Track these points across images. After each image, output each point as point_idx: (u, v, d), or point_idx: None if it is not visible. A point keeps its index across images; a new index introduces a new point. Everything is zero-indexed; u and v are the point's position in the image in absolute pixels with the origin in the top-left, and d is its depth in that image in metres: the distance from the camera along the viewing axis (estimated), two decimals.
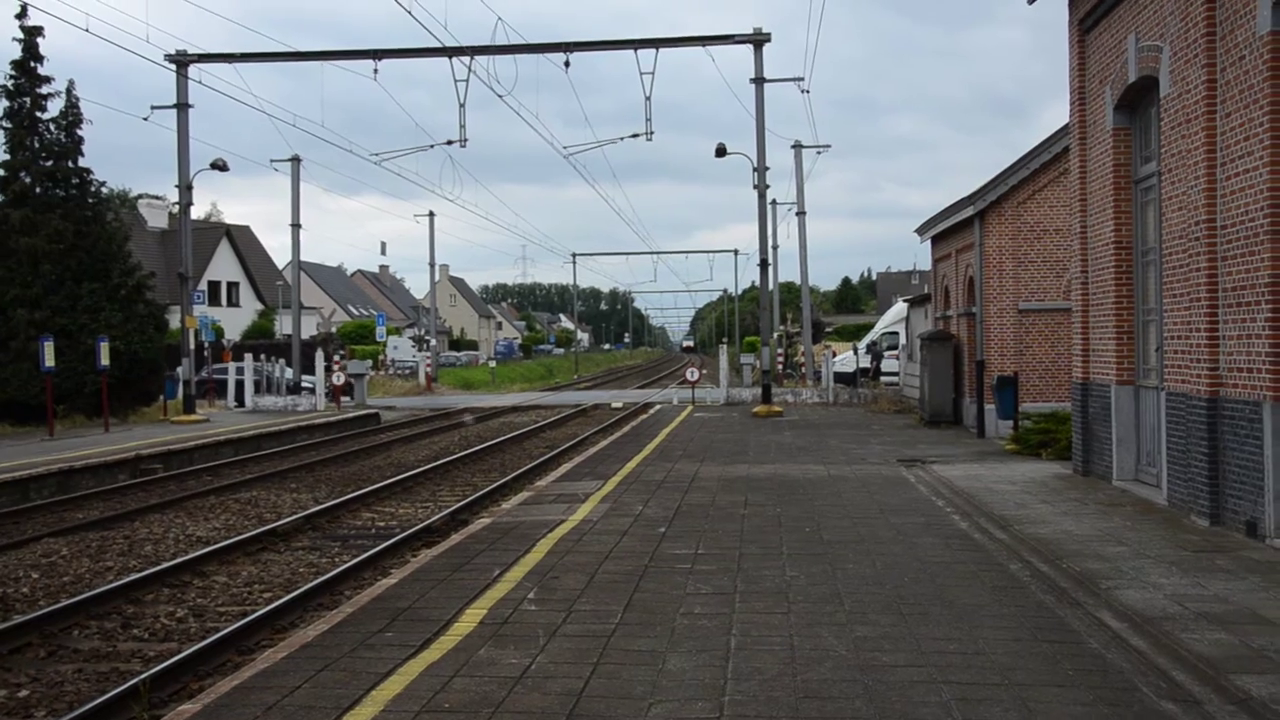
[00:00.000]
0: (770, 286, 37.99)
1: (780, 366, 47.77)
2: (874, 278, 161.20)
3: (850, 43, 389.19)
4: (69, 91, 32.42)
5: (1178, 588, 8.41)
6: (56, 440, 25.23)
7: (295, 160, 44.68)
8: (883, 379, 39.44)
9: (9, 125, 31.55)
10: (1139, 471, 13.65)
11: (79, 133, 32.45)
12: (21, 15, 31.41)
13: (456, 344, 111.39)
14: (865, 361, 41.65)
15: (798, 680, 6.38)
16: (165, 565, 12.03)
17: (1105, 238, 14.14)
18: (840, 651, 6.94)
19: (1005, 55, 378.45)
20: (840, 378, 38.59)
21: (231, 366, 39.36)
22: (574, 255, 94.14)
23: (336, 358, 40.58)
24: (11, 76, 31.44)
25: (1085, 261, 15.05)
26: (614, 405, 39.26)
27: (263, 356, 41.49)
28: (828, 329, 74.03)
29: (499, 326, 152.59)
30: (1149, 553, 9.75)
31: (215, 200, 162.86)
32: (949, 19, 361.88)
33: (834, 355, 40.01)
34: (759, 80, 30.78)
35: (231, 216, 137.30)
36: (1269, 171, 9.67)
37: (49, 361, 26.43)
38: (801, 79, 33.66)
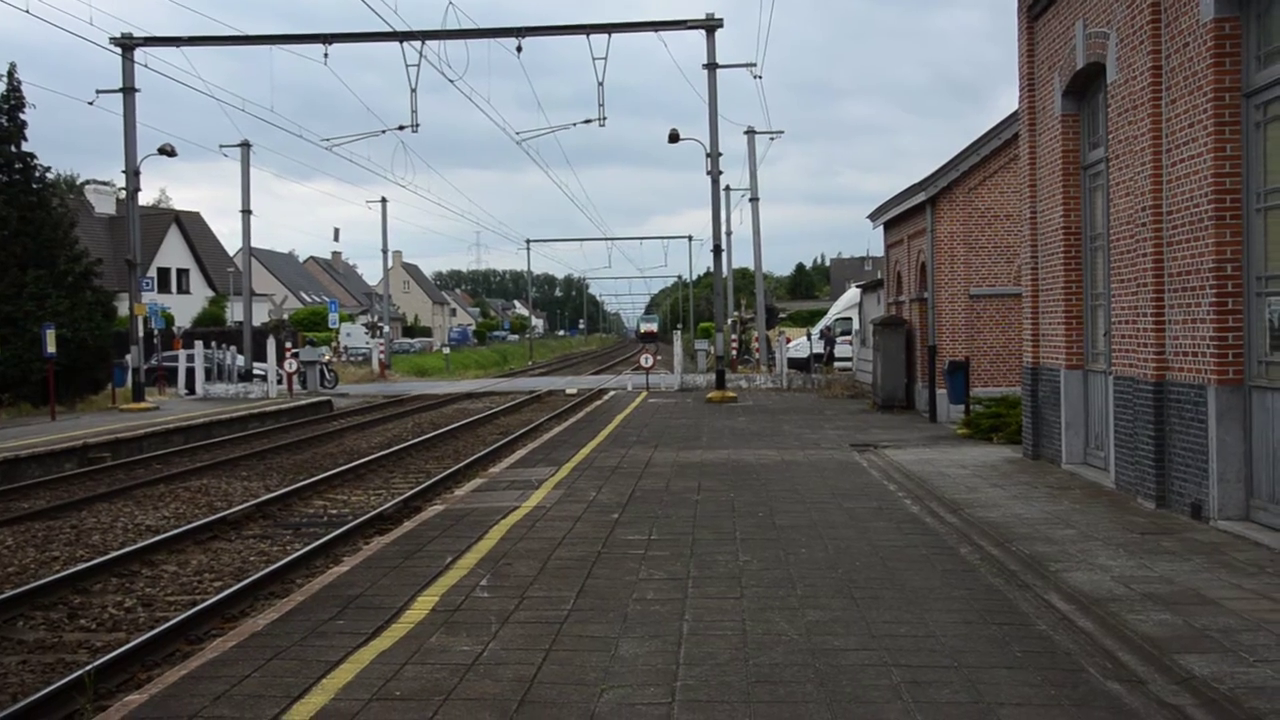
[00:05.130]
0: (724, 272, 38.06)
1: (735, 352, 47.88)
2: (828, 264, 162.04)
3: (809, 25, 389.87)
4: (11, 74, 31.92)
5: (1124, 569, 8.52)
6: (2, 429, 24.84)
7: (245, 145, 44.17)
8: (836, 364, 39.64)
9: None
10: (1087, 455, 13.81)
11: (22, 117, 31.96)
12: None
13: (410, 330, 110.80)
14: (819, 347, 41.85)
15: (750, 665, 6.41)
16: (113, 555, 11.88)
17: (1054, 223, 14.28)
18: (792, 635, 6.97)
19: (963, 38, 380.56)
20: (794, 363, 38.76)
21: (182, 354, 38.92)
22: (528, 241, 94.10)
23: (288, 345, 40.14)
24: None
25: (1035, 247, 15.19)
26: (568, 391, 39.20)
27: (214, 344, 41.06)
28: (782, 314, 74.27)
29: (453, 313, 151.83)
30: (1097, 535, 9.87)
31: (164, 186, 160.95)
32: (907, 0, 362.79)
33: (788, 341, 40.18)
34: (711, 66, 30.79)
35: (181, 202, 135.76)
36: (1213, 158, 9.79)
37: None
38: (754, 65, 33.69)
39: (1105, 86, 12.48)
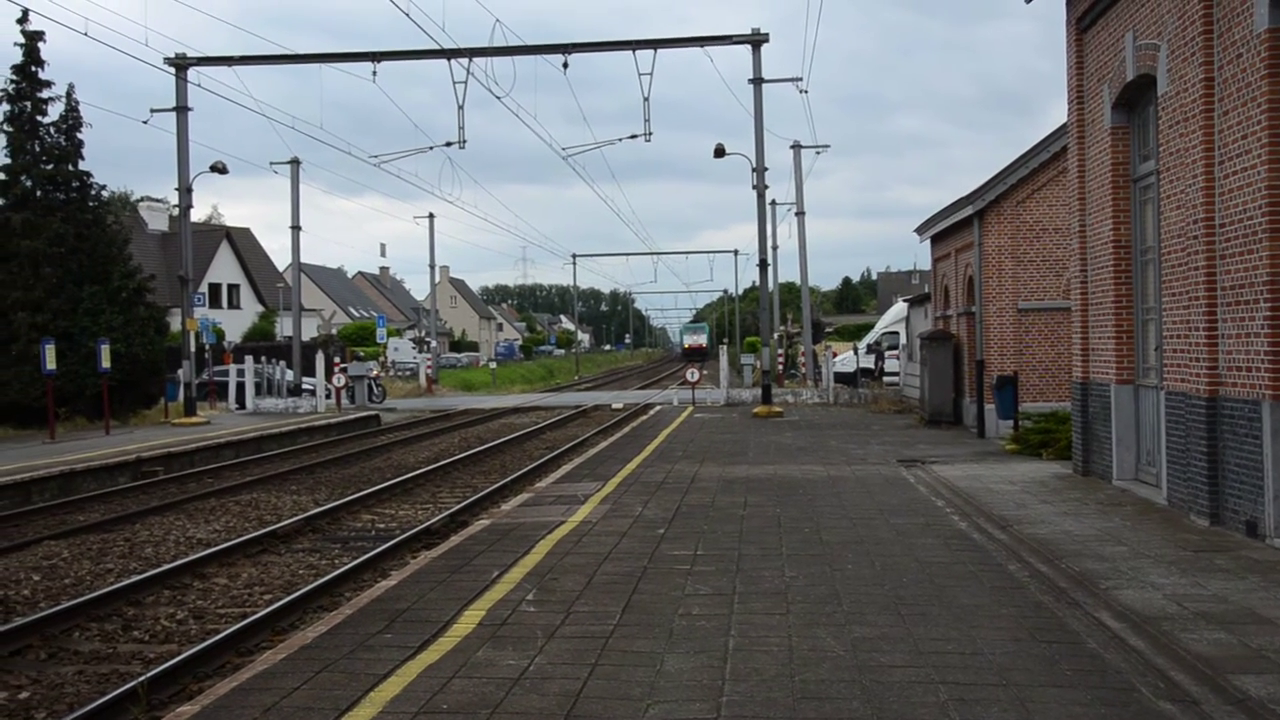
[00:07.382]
0: (770, 287, 38.00)
1: (781, 367, 47.75)
2: (874, 278, 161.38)
3: (857, 37, 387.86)
4: (69, 95, 32.51)
5: (1177, 587, 8.40)
6: (58, 443, 25.24)
7: (295, 162, 44.68)
8: (885, 379, 39.41)
9: (10, 129, 31.69)
10: (1139, 471, 13.64)
11: (79, 136, 32.53)
12: (23, 20, 31.50)
13: (457, 345, 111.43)
14: (866, 361, 41.63)
15: (795, 681, 6.38)
16: (166, 567, 12.03)
17: (1104, 236, 14.14)
18: (838, 652, 6.94)
19: (1013, 50, 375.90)
20: (840, 378, 38.58)
21: (232, 369, 39.37)
22: (574, 256, 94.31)
23: (336, 360, 40.50)
24: (13, 81, 31.61)
25: (1084, 260, 15.05)
26: (614, 406, 39.24)
27: (263, 358, 41.51)
28: (828, 329, 73.94)
29: (499, 328, 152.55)
30: (1148, 552, 9.75)
31: (216, 203, 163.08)
32: (956, 13, 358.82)
33: (834, 355, 40.00)
34: (757, 81, 30.81)
35: (232, 218, 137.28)
36: (1267, 169, 9.67)
37: (50, 364, 26.45)
38: (800, 79, 33.72)
39: (1156, 98, 12.37)
